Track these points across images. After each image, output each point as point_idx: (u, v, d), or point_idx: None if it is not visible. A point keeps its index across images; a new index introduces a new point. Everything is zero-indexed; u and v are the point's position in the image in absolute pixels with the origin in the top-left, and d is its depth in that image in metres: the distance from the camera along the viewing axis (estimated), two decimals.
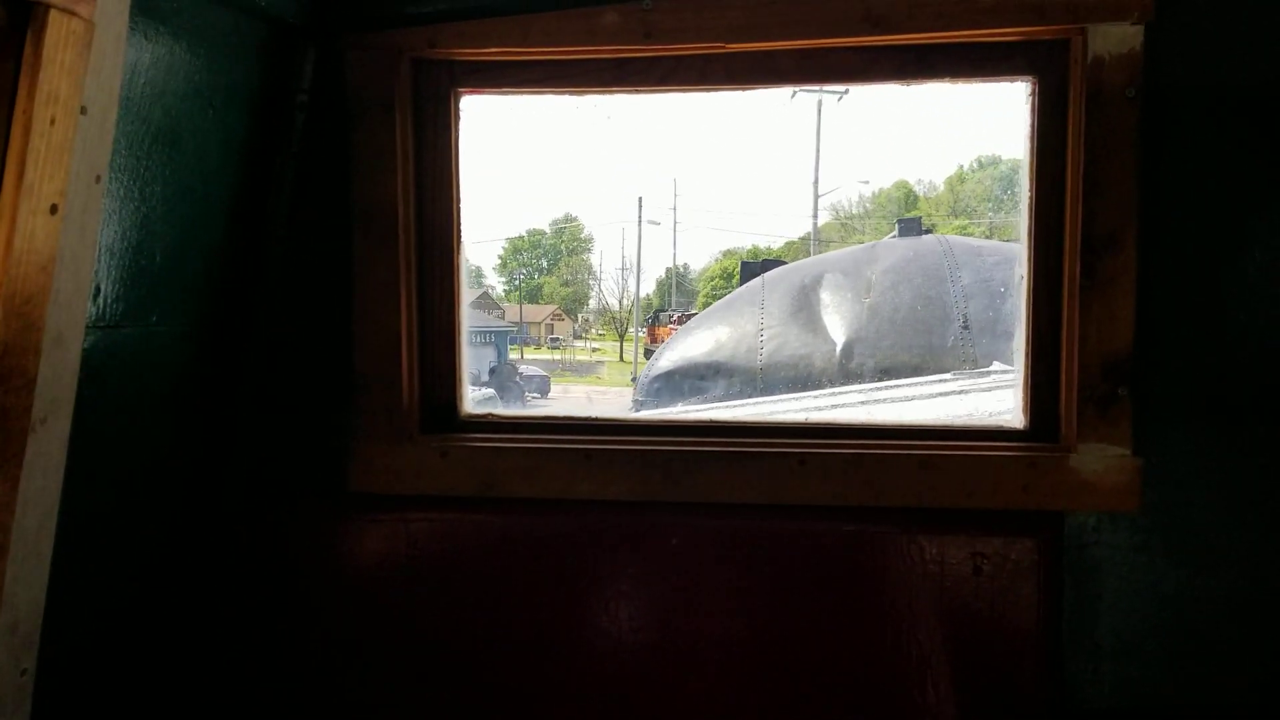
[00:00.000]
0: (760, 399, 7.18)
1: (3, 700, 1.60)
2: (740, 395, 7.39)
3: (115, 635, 2.04)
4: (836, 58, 2.08)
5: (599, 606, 2.10)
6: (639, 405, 8.07)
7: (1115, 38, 1.94)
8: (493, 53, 2.13)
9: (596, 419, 2.26)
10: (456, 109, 2.21)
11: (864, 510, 2.07)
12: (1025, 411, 2.12)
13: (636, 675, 2.09)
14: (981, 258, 7.79)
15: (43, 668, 1.65)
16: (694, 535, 2.08)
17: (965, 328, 7.30)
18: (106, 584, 1.98)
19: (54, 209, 1.49)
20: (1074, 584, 2.06)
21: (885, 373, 7.22)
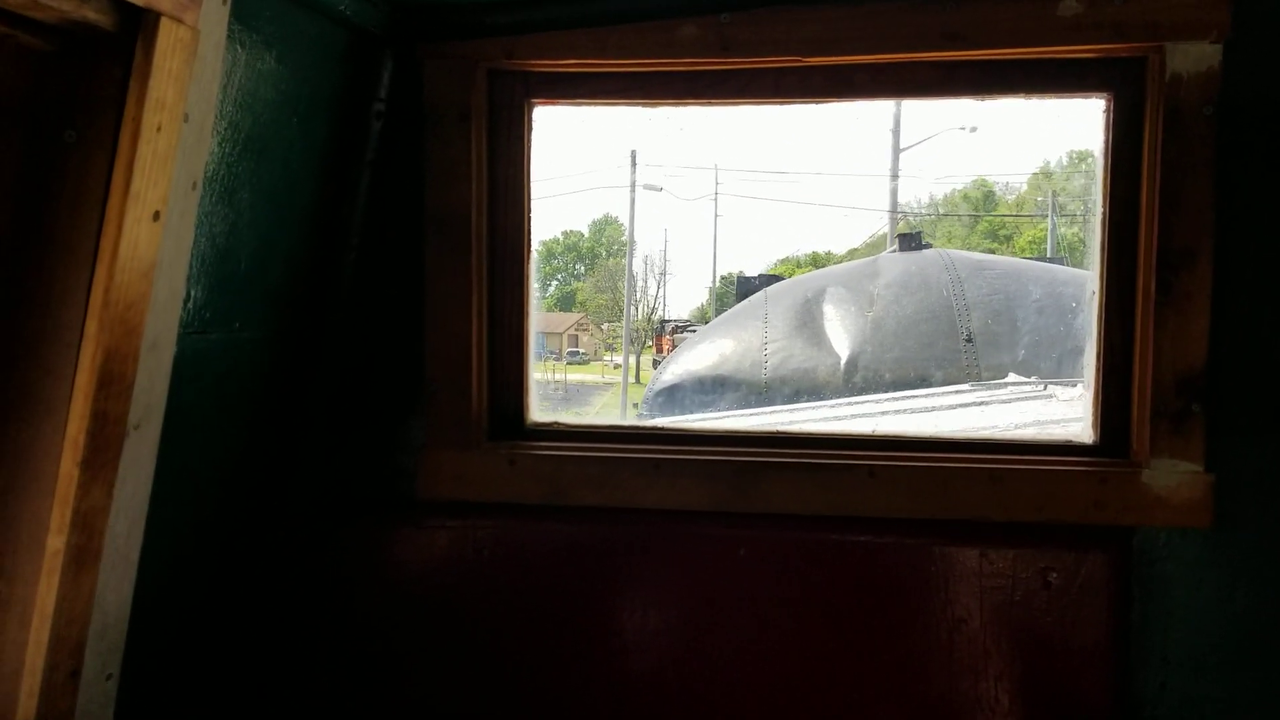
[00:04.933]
0: (769, 409, 7.18)
1: (89, 708, 1.60)
2: (747, 409, 7.38)
3: (185, 641, 2.05)
4: (913, 72, 2.09)
5: (667, 616, 2.10)
6: (644, 420, 8.04)
7: (1194, 56, 1.94)
8: (569, 64, 2.14)
9: (664, 428, 2.26)
10: (530, 119, 2.22)
11: (933, 523, 2.08)
12: (1095, 427, 2.12)
13: (704, 686, 2.09)
14: (984, 272, 7.81)
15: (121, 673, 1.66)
16: (762, 546, 2.08)
17: (969, 341, 7.31)
18: (179, 590, 1.99)
19: (156, 215, 1.50)
20: (1143, 599, 2.06)
21: (889, 385, 7.23)
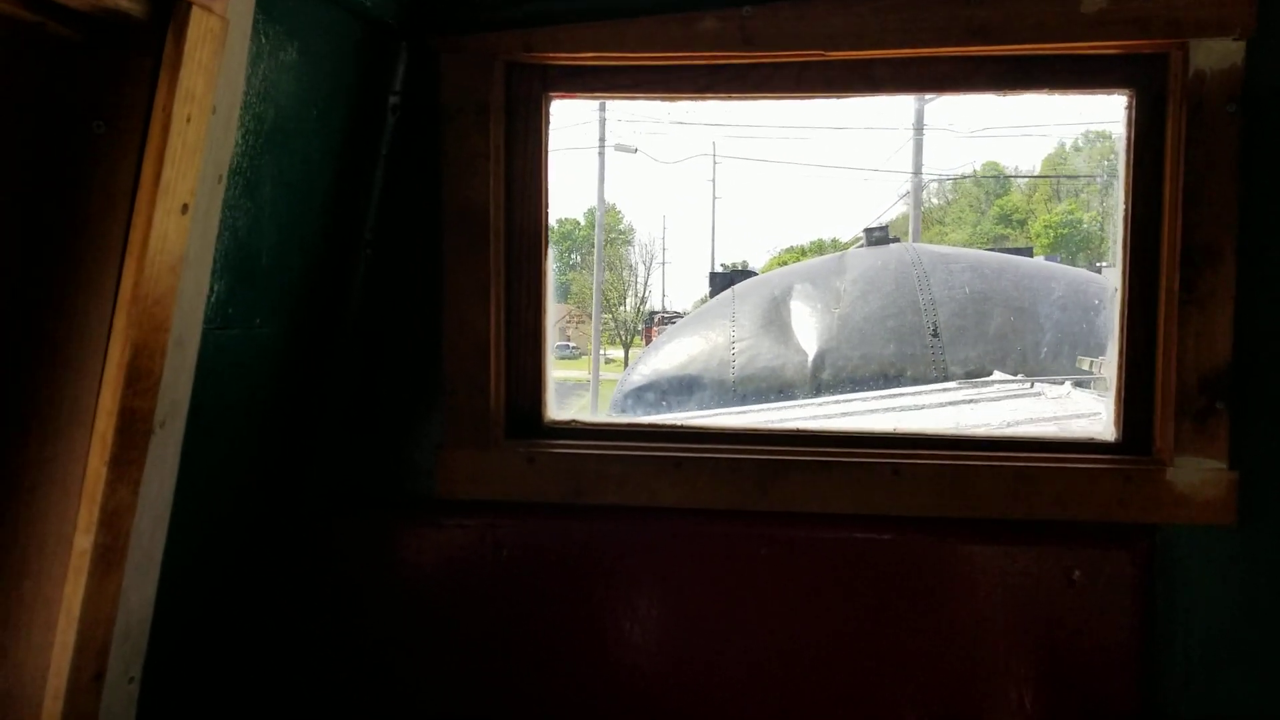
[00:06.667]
0: (742, 408, 7.14)
1: (111, 710, 1.57)
2: (713, 409, 7.28)
3: (202, 641, 2.02)
4: (936, 66, 2.08)
5: (687, 616, 2.09)
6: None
7: (1217, 52, 1.94)
8: (587, 57, 2.11)
9: (685, 427, 2.25)
10: (547, 112, 2.19)
11: (957, 521, 2.07)
12: (1117, 424, 2.11)
13: (725, 686, 2.08)
14: (950, 265, 7.82)
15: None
16: (784, 545, 2.07)
17: (935, 335, 7.32)
18: (197, 590, 1.96)
19: (185, 208, 1.47)
20: (1166, 597, 2.06)
21: (856, 383, 7.22)
